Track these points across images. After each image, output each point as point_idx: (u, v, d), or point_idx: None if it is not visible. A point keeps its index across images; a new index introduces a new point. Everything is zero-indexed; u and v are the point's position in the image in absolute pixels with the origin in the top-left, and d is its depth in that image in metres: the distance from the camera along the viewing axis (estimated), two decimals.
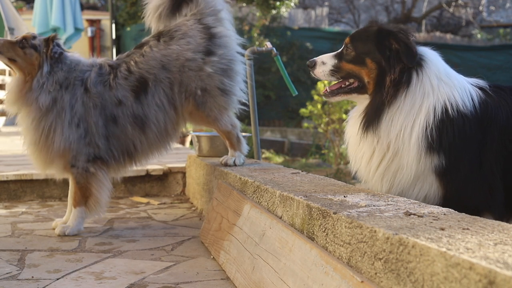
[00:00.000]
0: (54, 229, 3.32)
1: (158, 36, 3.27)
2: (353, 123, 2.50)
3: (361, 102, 2.46)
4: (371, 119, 2.34)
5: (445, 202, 2.23)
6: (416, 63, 2.31)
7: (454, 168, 2.25)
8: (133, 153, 3.26)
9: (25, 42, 3.09)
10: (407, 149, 2.28)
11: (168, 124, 3.24)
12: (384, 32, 2.36)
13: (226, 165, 3.35)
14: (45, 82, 3.08)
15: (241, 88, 3.36)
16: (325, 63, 2.48)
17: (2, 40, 3.11)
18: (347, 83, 2.46)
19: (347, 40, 2.45)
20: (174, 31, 3.24)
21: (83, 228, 3.29)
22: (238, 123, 3.42)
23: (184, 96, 3.20)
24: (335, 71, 2.45)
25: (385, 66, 2.31)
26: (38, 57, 3.10)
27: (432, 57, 2.37)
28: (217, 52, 3.21)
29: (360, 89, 2.42)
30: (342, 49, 2.47)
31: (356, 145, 2.45)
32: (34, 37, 3.14)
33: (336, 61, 2.46)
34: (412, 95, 2.28)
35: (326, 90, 2.53)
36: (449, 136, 2.23)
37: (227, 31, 3.33)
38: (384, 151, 2.34)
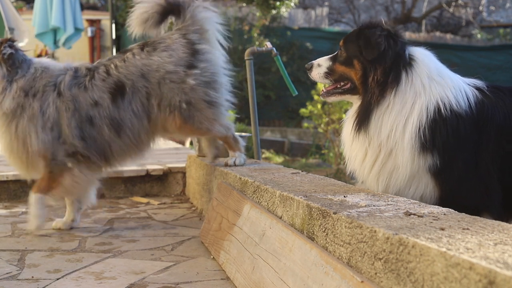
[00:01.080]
0: (54, 229, 3.34)
1: (143, 45, 3.30)
2: (347, 124, 2.53)
3: (356, 102, 2.49)
4: (362, 120, 2.37)
5: (441, 202, 2.23)
6: (406, 63, 2.32)
7: (448, 167, 2.25)
8: (109, 155, 3.26)
9: None
10: (401, 149, 2.28)
11: (142, 133, 3.24)
12: (359, 31, 2.44)
13: (226, 165, 3.36)
14: (6, 87, 3.12)
15: (227, 99, 3.37)
16: (320, 65, 2.53)
17: None
18: (342, 84, 2.50)
19: (341, 42, 2.50)
20: (158, 43, 3.27)
21: (70, 220, 3.36)
22: (231, 125, 3.43)
23: (168, 110, 3.19)
24: (329, 73, 2.50)
25: (366, 66, 2.35)
26: None
27: (422, 57, 2.37)
28: (199, 66, 3.22)
29: (353, 90, 2.46)
30: (337, 52, 2.52)
31: (349, 145, 2.48)
32: None
33: (331, 63, 2.51)
34: (402, 94, 2.29)
35: (323, 90, 2.58)
36: (443, 135, 2.23)
37: (212, 49, 3.35)
38: (377, 151, 2.35)
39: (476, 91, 2.35)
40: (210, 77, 3.25)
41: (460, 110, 2.25)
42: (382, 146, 2.32)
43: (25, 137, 3.11)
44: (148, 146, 3.39)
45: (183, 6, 3.34)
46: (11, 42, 3.20)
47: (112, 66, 3.21)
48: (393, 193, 2.34)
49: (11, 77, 3.14)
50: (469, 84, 2.39)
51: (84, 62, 3.41)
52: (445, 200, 2.23)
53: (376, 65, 2.32)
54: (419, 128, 2.25)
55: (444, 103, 2.26)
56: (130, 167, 4.18)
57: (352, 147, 2.45)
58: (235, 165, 3.35)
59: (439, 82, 2.31)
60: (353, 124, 2.41)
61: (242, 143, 3.47)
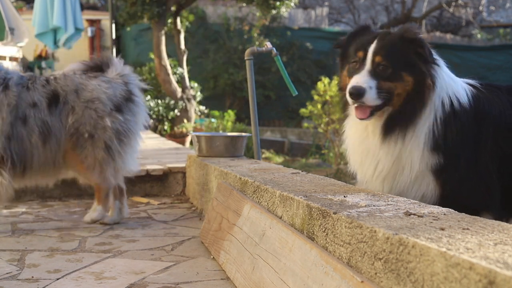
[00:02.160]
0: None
1: (87, 71, 3.45)
2: (359, 130, 2.43)
3: (386, 111, 2.35)
4: (405, 125, 2.29)
5: (442, 201, 2.23)
6: (435, 64, 2.32)
7: (451, 166, 2.25)
8: (28, 164, 3.23)
9: None
10: (415, 149, 2.27)
11: (62, 147, 3.27)
12: (409, 38, 2.30)
13: (87, 221, 3.46)
14: None
15: (127, 161, 3.42)
16: (371, 87, 2.26)
17: None
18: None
19: (378, 58, 2.28)
20: (101, 75, 3.40)
21: None
22: (111, 183, 3.42)
23: (72, 131, 3.26)
24: (379, 92, 2.27)
25: (425, 74, 2.27)
26: None
27: (438, 57, 2.39)
28: (124, 114, 3.34)
29: (387, 103, 2.30)
30: (372, 67, 2.28)
31: (377, 150, 2.37)
32: None
33: (376, 81, 2.27)
34: (438, 94, 2.30)
35: (366, 112, 2.30)
36: (453, 131, 2.24)
37: (142, 105, 3.49)
38: (399, 154, 2.31)
39: (472, 89, 2.38)
40: (125, 131, 3.35)
41: (466, 105, 2.29)
42: (405, 148, 2.30)
43: None
44: (61, 165, 3.37)
45: (110, 62, 3.50)
46: None
47: (52, 77, 3.36)
48: (397, 194, 2.33)
49: None
50: (465, 82, 2.43)
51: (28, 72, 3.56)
52: (445, 200, 2.22)
53: (433, 67, 2.30)
54: (434, 124, 2.26)
55: (458, 98, 2.29)
56: None
57: (380, 152, 2.35)
58: (93, 221, 3.44)
59: (453, 79, 2.36)
60: (382, 131, 2.33)
61: (110, 201, 3.48)
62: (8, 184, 3.19)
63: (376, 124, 2.37)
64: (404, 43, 2.29)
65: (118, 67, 3.48)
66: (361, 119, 2.32)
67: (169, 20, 10.04)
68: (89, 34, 13.82)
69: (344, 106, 2.52)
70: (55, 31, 8.45)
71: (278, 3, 8.83)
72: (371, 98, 2.26)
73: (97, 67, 3.49)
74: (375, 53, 2.29)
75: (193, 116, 10.43)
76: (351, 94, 2.26)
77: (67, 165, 3.37)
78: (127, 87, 3.42)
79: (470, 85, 2.41)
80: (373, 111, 2.30)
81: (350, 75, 2.36)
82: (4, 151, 3.15)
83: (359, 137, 2.45)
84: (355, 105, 2.30)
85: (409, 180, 2.30)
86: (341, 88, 2.51)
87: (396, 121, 2.31)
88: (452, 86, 2.33)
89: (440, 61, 2.37)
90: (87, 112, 3.26)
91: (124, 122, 3.34)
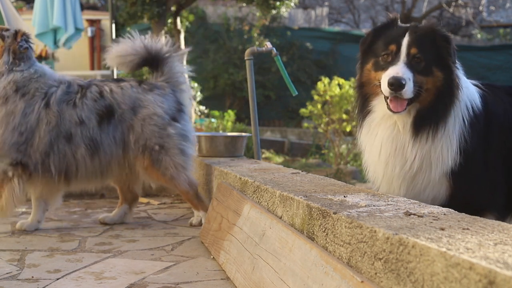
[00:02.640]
0: (19, 230, 3.34)
1: (141, 81, 3.41)
2: (383, 128, 2.36)
3: (415, 106, 2.30)
4: (436, 123, 2.25)
5: (451, 201, 2.23)
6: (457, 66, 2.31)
7: (467, 167, 2.24)
8: (72, 175, 3.23)
9: None
10: (446, 150, 2.25)
11: (112, 161, 3.28)
12: (437, 33, 2.27)
13: (191, 225, 3.46)
14: (4, 74, 3.14)
15: (192, 156, 3.47)
16: (410, 79, 2.21)
17: None
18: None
19: (413, 50, 2.24)
20: (155, 87, 3.38)
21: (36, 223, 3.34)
22: (196, 183, 3.44)
23: (141, 149, 3.27)
24: (415, 85, 2.23)
25: (452, 70, 2.24)
26: (2, 45, 3.18)
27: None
28: (181, 122, 3.39)
29: (417, 98, 2.26)
30: (408, 59, 2.24)
31: (406, 147, 2.31)
32: (7, 29, 3.24)
33: (412, 75, 2.23)
34: (464, 96, 2.29)
35: (403, 106, 2.25)
36: (475, 133, 2.24)
37: (190, 110, 3.61)
38: (426, 155, 2.28)
39: (480, 90, 2.38)
40: (186, 133, 3.40)
41: (480, 109, 2.29)
42: (434, 149, 2.28)
43: None
44: (110, 177, 3.40)
45: (162, 60, 3.45)
46: (27, 37, 3.25)
47: (107, 89, 3.28)
48: (413, 196, 2.30)
49: (12, 66, 3.16)
50: (472, 84, 2.42)
51: (75, 77, 3.43)
52: (454, 200, 2.23)
53: (454, 67, 2.28)
54: (463, 130, 2.25)
55: (474, 102, 2.29)
56: None
57: (411, 150, 2.30)
58: (200, 224, 3.38)
59: (467, 83, 2.35)
60: (412, 129, 2.28)
61: (205, 200, 3.48)
62: (19, 192, 3.16)
63: (406, 121, 2.30)
64: (436, 37, 2.26)
65: (166, 71, 3.45)
66: (396, 112, 2.25)
67: (169, 20, 10.04)
68: (89, 34, 13.81)
69: (365, 102, 2.42)
70: (55, 31, 8.45)
71: (278, 3, 8.82)
72: (410, 90, 2.21)
73: (149, 62, 3.45)
74: (409, 46, 2.24)
75: (193, 116, 10.42)
76: (391, 85, 2.18)
77: (149, 179, 3.41)
78: (177, 98, 3.43)
79: (476, 86, 2.41)
80: (407, 104, 2.25)
81: (378, 69, 2.31)
82: (38, 164, 3.13)
83: (387, 135, 2.34)
84: (390, 97, 2.23)
85: (431, 179, 2.28)
86: (362, 84, 2.42)
87: (427, 118, 2.25)
88: (469, 89, 2.33)
89: (459, 64, 2.36)
90: (147, 128, 3.27)
91: (183, 129, 3.38)
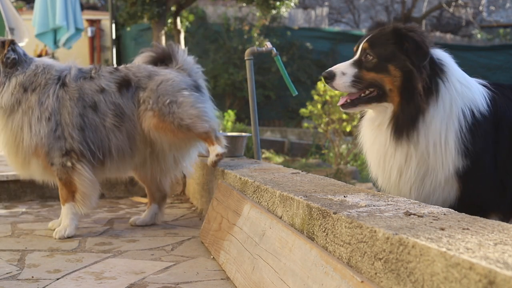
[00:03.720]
0: (51, 229, 3.32)
1: (156, 63, 3.46)
2: (373, 132, 2.39)
3: (379, 110, 2.33)
4: (405, 128, 2.25)
5: (459, 202, 2.22)
6: (438, 69, 2.26)
7: (475, 170, 2.24)
8: (107, 152, 3.20)
9: None
10: (444, 155, 2.24)
11: (136, 132, 3.24)
12: (400, 32, 2.26)
13: (214, 164, 3.33)
14: (4, 82, 3.12)
15: (213, 113, 3.38)
16: (345, 73, 2.30)
17: None
18: (366, 92, 2.31)
19: (365, 45, 2.30)
20: (169, 68, 3.41)
21: (78, 223, 3.27)
22: (216, 126, 3.34)
23: (148, 106, 3.20)
24: (357, 81, 2.28)
25: (414, 71, 2.21)
26: None
27: (450, 61, 2.32)
28: (199, 93, 3.35)
29: (380, 98, 2.29)
30: (360, 56, 2.31)
31: (384, 154, 2.34)
32: None
33: (356, 70, 2.29)
34: (443, 101, 2.23)
35: (346, 101, 2.35)
36: (480, 138, 2.22)
37: (207, 93, 3.49)
38: (420, 158, 2.28)
39: (488, 90, 2.35)
40: (202, 101, 3.33)
41: (485, 112, 2.26)
42: (429, 153, 2.26)
43: (18, 131, 3.09)
44: (136, 152, 3.33)
45: (173, 54, 3.48)
46: (13, 45, 3.20)
47: (122, 66, 3.37)
48: (423, 197, 2.30)
49: (10, 73, 3.14)
50: (480, 84, 2.39)
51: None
52: (462, 201, 2.22)
53: (422, 69, 2.21)
54: (460, 133, 2.22)
55: (476, 106, 2.25)
56: None
57: (387, 156, 2.33)
58: (219, 155, 3.28)
59: (467, 86, 2.30)
60: (392, 133, 2.28)
61: (224, 141, 3.36)
62: (94, 180, 3.19)
63: (384, 123, 2.32)
64: (400, 38, 2.25)
65: (180, 59, 3.46)
66: (340, 105, 2.37)
67: (169, 20, 10.03)
68: (89, 34, 13.83)
69: None
70: (55, 31, 8.46)
71: (278, 3, 8.82)
72: (341, 83, 2.29)
73: (161, 59, 3.48)
74: (364, 44, 2.30)
75: None
76: (323, 77, 2.33)
77: (161, 139, 3.27)
78: (194, 80, 3.41)
79: (484, 86, 2.37)
80: (355, 101, 2.32)
81: None
82: (82, 144, 3.14)
83: (377, 139, 2.37)
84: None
85: (439, 184, 2.27)
86: None
87: (400, 120, 2.26)
88: (467, 94, 2.26)
89: (450, 66, 2.30)
90: (162, 87, 3.22)
91: (199, 97, 3.32)
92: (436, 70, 2.26)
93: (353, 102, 2.33)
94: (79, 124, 3.13)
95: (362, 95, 2.32)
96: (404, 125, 2.25)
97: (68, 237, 3.15)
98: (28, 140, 3.08)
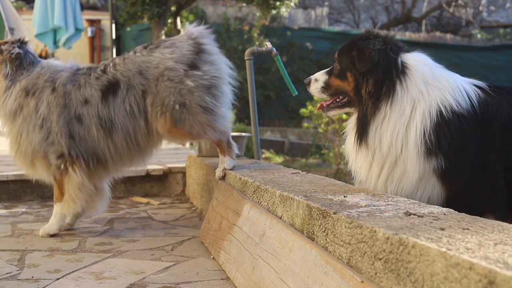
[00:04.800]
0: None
1: (148, 44, 3.19)
2: (350, 135, 2.51)
3: (352, 115, 2.48)
4: (361, 132, 2.36)
5: (448, 203, 2.23)
6: (397, 72, 2.29)
7: (455, 169, 2.24)
8: (103, 159, 3.18)
9: None
10: (407, 156, 2.26)
11: (138, 134, 3.12)
12: (352, 41, 2.41)
13: (219, 178, 3.18)
14: (10, 87, 3.12)
15: (226, 109, 3.16)
16: (317, 80, 2.53)
17: None
18: (340, 98, 2.49)
19: (336, 54, 2.47)
20: (164, 41, 3.15)
21: (65, 224, 3.29)
22: (228, 129, 3.18)
23: (160, 110, 3.01)
24: (325, 87, 2.50)
25: (358, 78, 2.34)
26: (2, 60, 3.17)
27: (415, 63, 2.33)
28: (202, 68, 3.02)
29: (350, 103, 2.45)
30: (333, 65, 2.49)
31: (354, 157, 2.46)
32: (5, 43, 3.19)
33: (327, 77, 2.50)
34: (399, 103, 2.26)
35: (322, 104, 2.56)
36: (447, 137, 2.22)
37: (218, 51, 3.17)
38: (381, 161, 2.33)
39: (479, 91, 2.34)
40: (211, 82, 3.03)
41: (461, 110, 2.24)
42: (386, 155, 2.30)
43: (18, 137, 3.13)
44: (149, 150, 3.28)
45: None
46: (20, 43, 3.20)
47: (111, 64, 3.13)
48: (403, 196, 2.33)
49: (15, 77, 3.14)
50: (471, 84, 2.37)
51: (89, 64, 3.35)
52: (452, 201, 2.22)
53: (368, 76, 2.31)
54: (424, 134, 2.22)
55: (445, 106, 2.24)
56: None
57: (357, 159, 2.44)
58: (224, 171, 3.15)
59: (435, 85, 2.29)
60: (355, 137, 2.40)
61: (236, 150, 3.23)
62: (83, 181, 3.16)
63: (352, 126, 2.47)
64: (351, 45, 2.40)
65: (189, 31, 3.17)
66: (318, 109, 2.64)
67: (169, 20, 10.04)
68: (89, 34, 13.83)
69: None
70: (55, 31, 8.46)
71: (278, 3, 8.82)
72: (313, 89, 2.54)
73: None
74: (336, 53, 2.48)
75: None
76: (304, 83, 2.59)
77: (175, 139, 3.19)
78: (194, 40, 3.09)
79: (478, 87, 2.36)
80: (330, 105, 2.53)
81: None
82: (72, 151, 3.11)
83: (351, 147, 2.47)
84: None
85: (411, 184, 2.29)
86: None
87: (358, 126, 2.39)
88: (433, 94, 2.27)
89: (414, 68, 2.32)
90: (162, 86, 2.98)
91: (206, 74, 3.02)
92: (393, 73, 2.29)
93: (328, 106, 2.54)
94: (66, 133, 3.10)
95: (337, 100, 2.50)
96: (359, 130, 2.37)
97: (50, 235, 3.18)
98: (27, 146, 3.12)
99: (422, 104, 2.26)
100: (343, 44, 2.48)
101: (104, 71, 3.12)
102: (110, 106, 3.06)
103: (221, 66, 3.13)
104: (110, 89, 3.06)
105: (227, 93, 3.14)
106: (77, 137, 3.12)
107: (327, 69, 2.53)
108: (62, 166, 3.13)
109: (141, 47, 3.18)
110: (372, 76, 2.29)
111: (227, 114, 3.17)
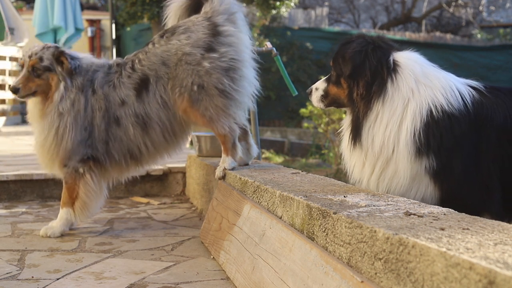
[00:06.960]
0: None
1: (163, 33, 3.17)
2: (345, 135, 2.53)
3: (349, 116, 2.49)
4: (354, 133, 2.38)
5: (442, 202, 2.22)
6: (390, 70, 2.29)
7: (447, 168, 2.23)
8: (138, 155, 3.20)
9: (38, 69, 3.10)
10: (398, 156, 2.26)
11: (173, 122, 3.14)
12: (340, 45, 2.44)
13: (219, 178, 3.15)
14: (68, 91, 3.11)
15: (247, 94, 3.09)
16: (317, 89, 2.54)
17: (20, 82, 3.09)
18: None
19: (331, 62, 2.49)
20: (178, 27, 3.12)
21: (67, 229, 3.27)
22: (237, 129, 3.11)
23: (178, 92, 3.02)
24: (324, 96, 2.51)
25: (349, 82, 2.36)
26: (54, 77, 3.12)
27: (407, 61, 2.33)
28: (219, 50, 2.99)
29: (343, 105, 2.50)
30: (331, 72, 2.51)
31: (348, 157, 2.48)
32: (41, 59, 3.12)
33: (326, 85, 2.51)
34: (390, 102, 2.27)
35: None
36: (436, 137, 2.21)
37: (237, 31, 3.07)
38: (373, 161, 2.34)
39: (474, 91, 2.32)
40: (229, 64, 3.00)
41: (452, 110, 2.22)
42: (378, 155, 2.31)
43: (64, 133, 3.07)
44: (184, 135, 3.29)
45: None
46: (66, 55, 3.15)
47: (137, 61, 3.14)
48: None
49: (73, 78, 3.13)
50: (466, 84, 2.36)
51: (117, 58, 3.34)
52: (445, 201, 2.22)
53: (358, 79, 2.32)
54: (414, 133, 2.23)
55: (435, 105, 2.23)
56: None
57: (351, 159, 2.46)
58: (224, 171, 3.11)
59: (427, 84, 2.28)
60: (349, 138, 2.43)
61: (239, 152, 3.16)
62: (98, 192, 3.20)
63: (346, 127, 2.51)
64: (337, 50, 2.43)
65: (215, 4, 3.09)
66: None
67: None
68: (89, 34, 13.83)
69: None
70: (55, 31, 8.47)
71: (278, 3, 8.83)
72: (314, 98, 2.55)
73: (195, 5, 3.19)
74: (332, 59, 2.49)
75: None
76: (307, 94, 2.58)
77: (189, 121, 3.15)
78: (209, 21, 3.04)
79: (473, 87, 2.34)
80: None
81: None
82: (104, 155, 3.13)
83: (346, 147, 2.50)
84: None
85: (403, 184, 2.29)
86: None
87: (352, 128, 2.41)
88: (424, 93, 2.27)
89: (405, 66, 2.32)
90: (181, 69, 3.00)
91: (224, 56, 2.99)
92: (384, 72, 2.29)
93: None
94: (104, 138, 3.13)
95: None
96: (353, 130, 2.40)
97: (49, 237, 3.17)
98: (70, 144, 3.08)
99: (413, 103, 2.26)
100: (337, 51, 2.47)
101: (133, 68, 3.14)
102: (145, 102, 3.11)
103: (241, 48, 3.06)
104: (142, 85, 3.11)
105: (247, 77, 3.08)
106: (111, 141, 3.13)
107: (326, 77, 2.55)
108: (81, 169, 3.13)
109: (158, 37, 3.17)
110: (362, 78, 2.31)
111: (244, 101, 3.10)
